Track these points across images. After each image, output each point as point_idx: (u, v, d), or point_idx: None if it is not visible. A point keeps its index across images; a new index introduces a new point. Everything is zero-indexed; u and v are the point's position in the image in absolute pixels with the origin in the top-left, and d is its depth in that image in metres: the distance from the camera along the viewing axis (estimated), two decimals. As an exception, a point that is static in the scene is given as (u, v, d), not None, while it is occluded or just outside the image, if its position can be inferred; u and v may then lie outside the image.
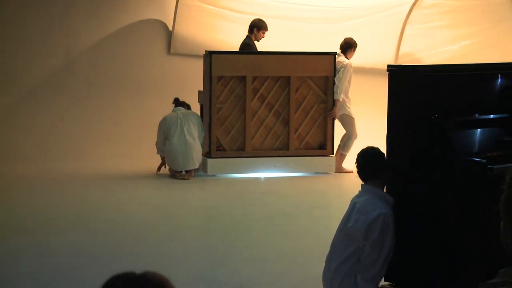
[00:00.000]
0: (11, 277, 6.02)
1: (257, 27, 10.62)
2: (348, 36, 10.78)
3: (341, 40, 11.04)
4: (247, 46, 10.64)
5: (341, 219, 5.17)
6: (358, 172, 5.14)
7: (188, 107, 10.23)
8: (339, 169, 10.40)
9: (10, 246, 6.83)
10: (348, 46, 10.46)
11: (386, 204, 4.95)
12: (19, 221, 7.75)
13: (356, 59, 11.11)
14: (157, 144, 10.07)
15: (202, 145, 9.97)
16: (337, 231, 5.11)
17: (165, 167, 10.13)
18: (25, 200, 8.75)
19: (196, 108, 10.54)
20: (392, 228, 4.88)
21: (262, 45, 10.95)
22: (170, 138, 9.92)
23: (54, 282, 5.93)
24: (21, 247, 6.77)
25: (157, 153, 10.10)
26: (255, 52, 10.58)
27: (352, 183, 9.70)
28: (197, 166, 9.98)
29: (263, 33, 10.64)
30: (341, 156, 10.44)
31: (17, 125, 11.48)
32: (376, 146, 5.14)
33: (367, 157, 5.07)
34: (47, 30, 11.81)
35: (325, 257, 5.24)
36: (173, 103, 10.21)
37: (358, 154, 5.14)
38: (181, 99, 10.21)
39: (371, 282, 4.90)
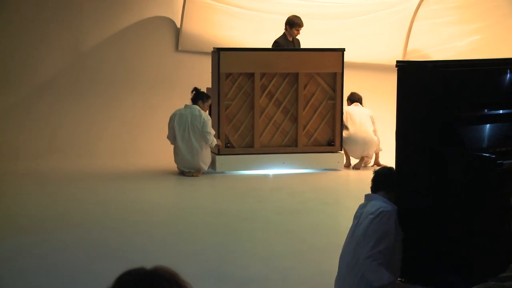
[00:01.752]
0: (24, 272, 6.04)
1: (290, 24, 10.62)
2: (356, 32, 10.76)
3: (349, 35, 11.01)
4: (274, 44, 10.67)
5: (349, 215, 5.17)
6: (372, 183, 5.10)
7: (207, 98, 10.13)
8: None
9: (20, 242, 6.85)
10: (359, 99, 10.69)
11: (391, 205, 4.93)
12: (29, 218, 7.77)
13: (364, 55, 11.09)
14: (168, 138, 10.10)
15: (211, 144, 9.93)
16: (344, 248, 5.04)
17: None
18: (34, 197, 8.78)
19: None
20: (394, 228, 4.85)
21: (269, 42, 10.94)
22: (177, 139, 9.93)
23: (64, 278, 5.95)
24: (31, 244, 6.79)
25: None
26: (262, 48, 10.57)
27: (360, 179, 9.71)
28: (205, 170, 9.98)
29: (296, 30, 10.60)
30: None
31: (26, 123, 11.52)
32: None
33: (384, 168, 5.17)
34: (56, 28, 11.83)
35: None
36: (192, 91, 10.13)
37: (374, 170, 5.20)
38: (189, 96, 10.17)
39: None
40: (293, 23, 10.60)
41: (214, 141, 9.91)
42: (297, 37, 10.74)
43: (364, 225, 4.82)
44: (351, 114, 10.49)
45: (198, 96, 10.07)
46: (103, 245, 6.80)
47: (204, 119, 9.89)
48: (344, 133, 10.43)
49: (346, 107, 10.57)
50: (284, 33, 10.69)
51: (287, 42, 10.65)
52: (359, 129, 10.40)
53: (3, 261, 6.36)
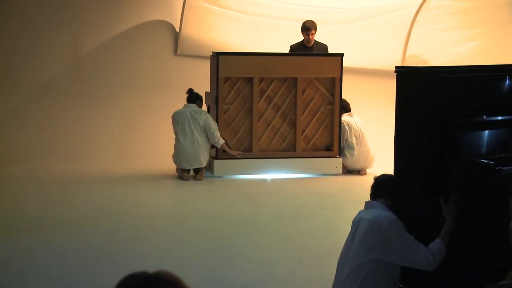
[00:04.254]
0: (21, 276, 6.03)
1: (301, 29, 10.59)
2: (355, 37, 10.74)
3: (348, 41, 10.99)
4: (290, 49, 10.65)
5: (348, 220, 5.15)
6: (371, 191, 5.05)
7: (201, 100, 10.17)
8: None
9: (19, 245, 6.84)
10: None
11: (390, 212, 4.89)
12: (27, 221, 7.77)
13: (363, 60, 11.06)
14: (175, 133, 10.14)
15: (218, 141, 9.93)
16: (342, 254, 4.96)
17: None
18: (31, 200, 8.77)
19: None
20: (404, 232, 4.83)
21: (268, 46, 10.94)
22: (178, 136, 9.94)
23: (62, 281, 5.94)
24: (30, 247, 6.79)
25: None
26: (261, 53, 10.56)
27: (358, 184, 9.71)
28: (204, 165, 9.97)
29: (306, 34, 10.55)
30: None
31: (25, 126, 11.51)
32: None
33: (384, 176, 5.08)
34: (55, 31, 11.84)
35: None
36: (187, 92, 10.16)
37: (374, 176, 5.13)
38: (188, 100, 10.18)
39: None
40: (302, 28, 10.59)
41: (221, 140, 9.92)
42: (323, 42, 10.68)
43: (379, 240, 4.73)
44: (354, 129, 10.41)
45: (194, 96, 10.11)
46: (101, 250, 6.80)
47: (205, 113, 9.93)
48: (348, 153, 10.36)
49: (345, 118, 10.47)
50: (303, 39, 10.68)
51: (301, 48, 10.61)
52: (364, 149, 10.40)
53: (0, 265, 6.35)
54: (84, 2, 11.99)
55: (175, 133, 10.00)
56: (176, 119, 9.99)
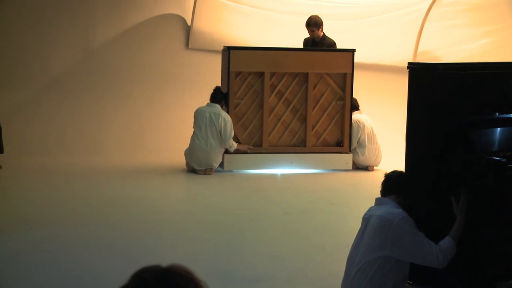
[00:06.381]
0: (31, 268, 6.04)
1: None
2: (366, 33, 10.71)
3: (359, 36, 10.96)
4: (303, 42, 10.69)
5: (357, 216, 5.14)
6: (382, 187, 5.01)
7: (225, 99, 10.14)
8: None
9: (28, 238, 6.86)
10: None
11: (401, 209, 4.87)
12: (37, 214, 7.78)
13: (374, 56, 11.00)
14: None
15: (230, 147, 9.93)
16: (352, 250, 4.95)
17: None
18: (43, 192, 8.79)
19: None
20: (415, 229, 4.81)
21: (280, 41, 10.92)
22: (195, 134, 9.93)
23: (71, 274, 5.95)
24: (39, 239, 6.80)
25: None
26: (272, 48, 10.54)
27: (369, 180, 9.69)
28: (214, 167, 9.97)
29: (309, 30, 10.55)
30: None
31: (36, 119, 11.54)
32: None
33: (394, 172, 5.03)
34: (67, 24, 11.84)
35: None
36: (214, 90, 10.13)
37: (385, 173, 5.09)
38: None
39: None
40: (305, 24, 10.58)
41: (234, 145, 9.92)
42: (334, 37, 10.65)
43: (389, 236, 4.71)
44: (366, 128, 10.39)
45: (219, 95, 9.99)
46: (110, 243, 6.80)
47: (224, 119, 9.86)
48: (360, 151, 10.36)
49: (356, 117, 10.44)
50: None
51: (308, 43, 10.61)
52: (375, 147, 10.39)
53: (9, 256, 6.36)
54: (96, -5, 12.00)
55: (194, 130, 9.99)
56: (196, 117, 9.98)
